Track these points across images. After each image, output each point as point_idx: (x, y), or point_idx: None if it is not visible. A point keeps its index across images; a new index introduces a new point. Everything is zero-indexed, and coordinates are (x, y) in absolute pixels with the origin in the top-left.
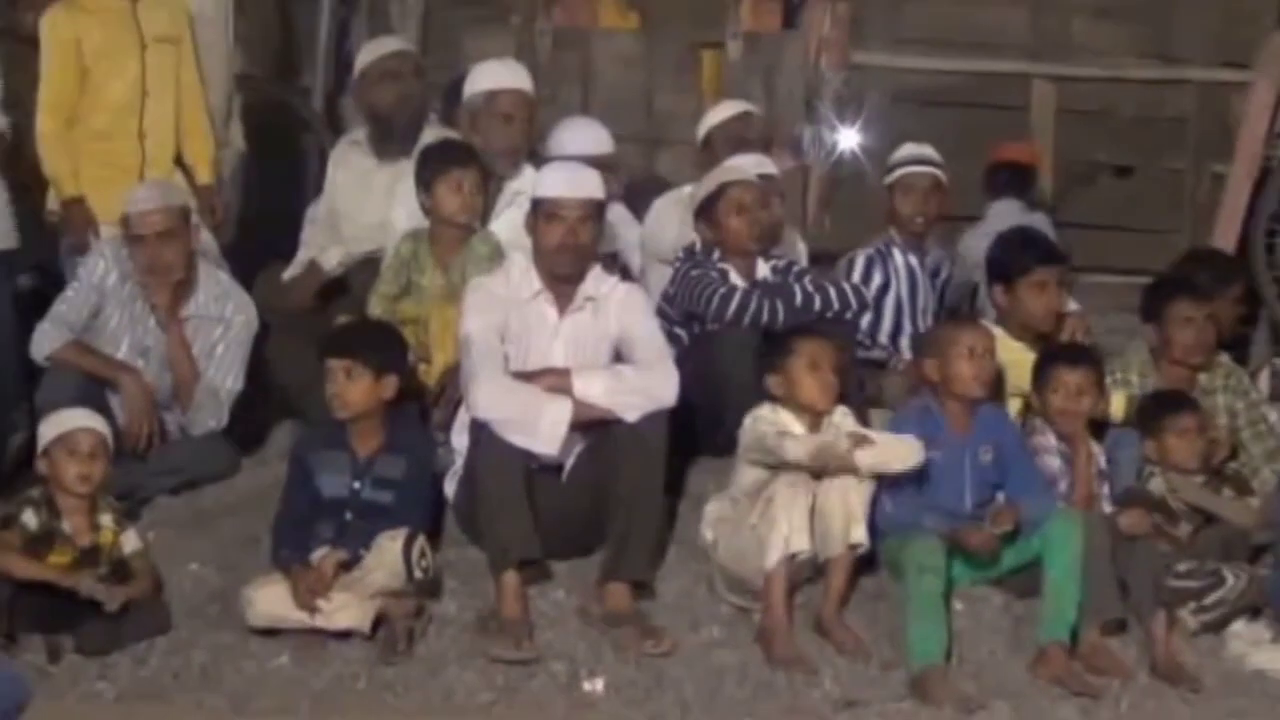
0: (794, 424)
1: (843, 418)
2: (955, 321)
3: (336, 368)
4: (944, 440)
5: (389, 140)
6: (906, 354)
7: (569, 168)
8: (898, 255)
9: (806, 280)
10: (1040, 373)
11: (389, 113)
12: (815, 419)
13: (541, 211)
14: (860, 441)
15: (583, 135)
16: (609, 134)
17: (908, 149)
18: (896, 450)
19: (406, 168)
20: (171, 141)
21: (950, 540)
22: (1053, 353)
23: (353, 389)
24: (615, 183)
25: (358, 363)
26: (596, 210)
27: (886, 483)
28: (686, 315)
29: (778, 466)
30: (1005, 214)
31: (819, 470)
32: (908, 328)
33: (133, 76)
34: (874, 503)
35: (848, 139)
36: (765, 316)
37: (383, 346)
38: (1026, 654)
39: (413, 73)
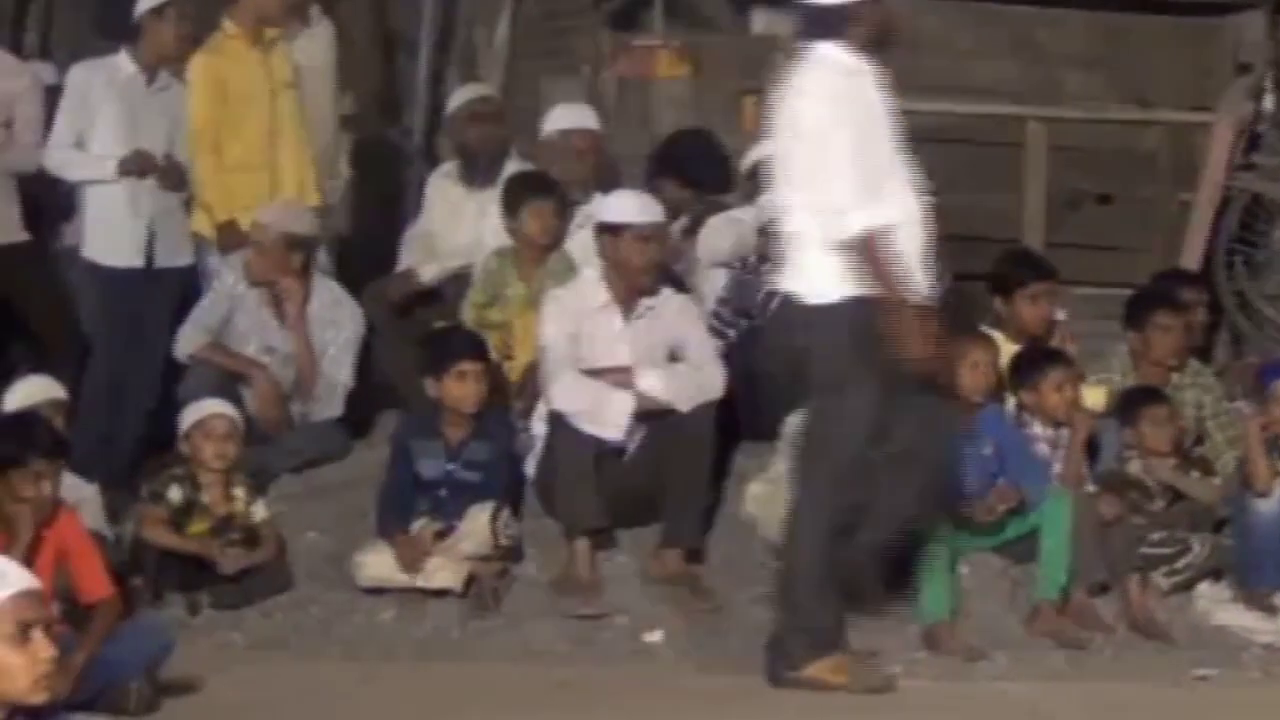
0: None
1: None
2: (964, 336)
3: (476, 370)
4: None
5: (475, 172)
6: None
7: (637, 196)
8: None
9: None
10: (1030, 373)
11: (476, 148)
12: None
13: (625, 235)
14: None
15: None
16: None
17: None
18: None
19: (493, 195)
20: (296, 172)
21: (958, 514)
22: (1039, 354)
23: (482, 387)
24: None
25: (484, 365)
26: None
27: None
28: (739, 314)
29: None
30: None
31: None
32: None
33: (266, 115)
34: None
35: None
36: None
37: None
38: (1022, 611)
39: (496, 114)
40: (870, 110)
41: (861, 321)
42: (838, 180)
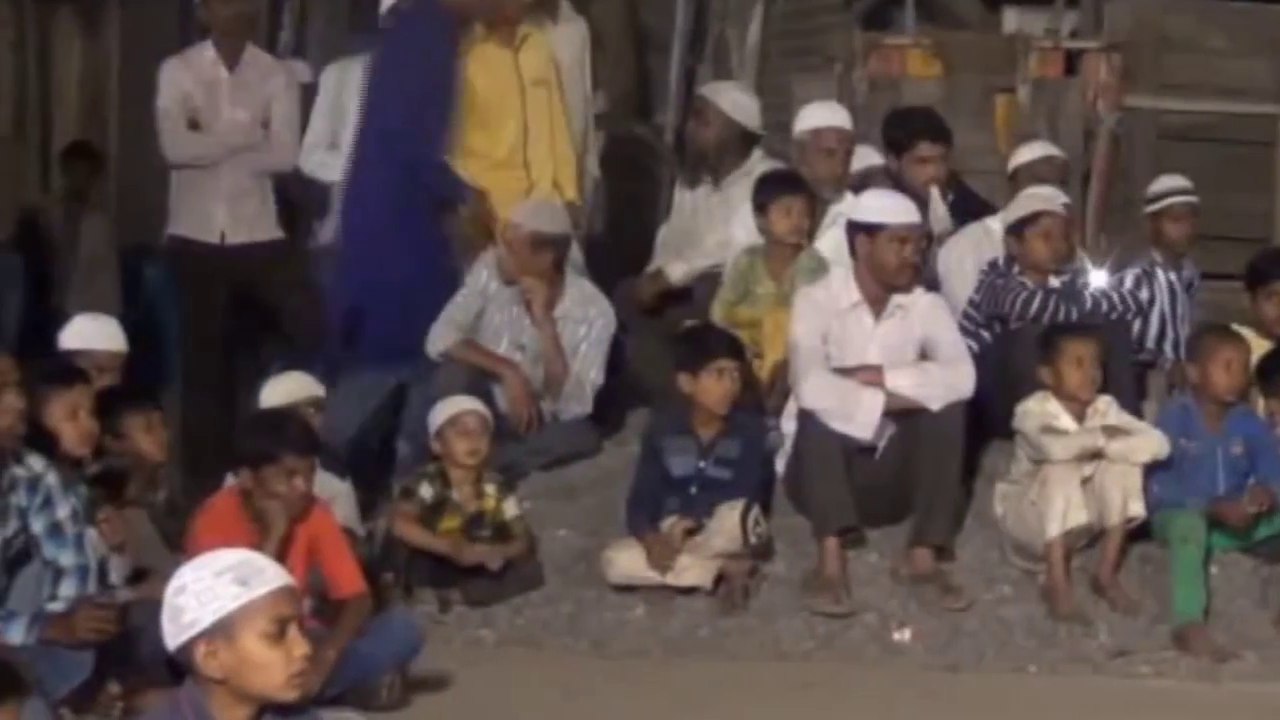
0: (1061, 412)
1: (1107, 406)
2: (1217, 334)
3: (733, 368)
4: (1199, 434)
5: (699, 171)
6: (1170, 356)
7: (892, 195)
8: (1160, 273)
9: (1092, 288)
10: (1274, 375)
11: (702, 148)
12: (1080, 407)
13: (881, 235)
14: (1114, 435)
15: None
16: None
17: (1168, 181)
18: (1144, 444)
19: (742, 193)
20: (549, 169)
21: (1211, 515)
22: None
23: (737, 385)
24: None
25: (740, 363)
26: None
27: (1151, 469)
28: (990, 318)
29: (1043, 461)
30: None
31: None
32: (1170, 334)
33: (517, 115)
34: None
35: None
36: (1061, 317)
37: None
38: (1272, 611)
39: (706, 117)
40: None
41: None
42: None
